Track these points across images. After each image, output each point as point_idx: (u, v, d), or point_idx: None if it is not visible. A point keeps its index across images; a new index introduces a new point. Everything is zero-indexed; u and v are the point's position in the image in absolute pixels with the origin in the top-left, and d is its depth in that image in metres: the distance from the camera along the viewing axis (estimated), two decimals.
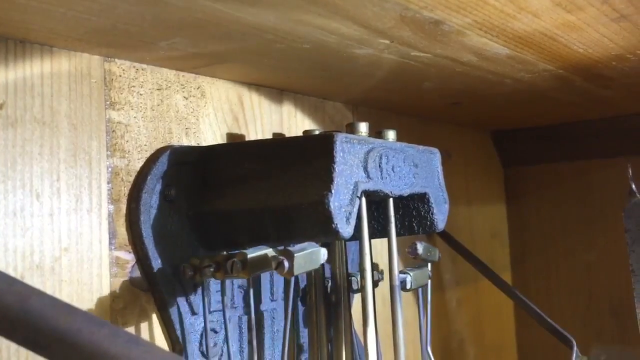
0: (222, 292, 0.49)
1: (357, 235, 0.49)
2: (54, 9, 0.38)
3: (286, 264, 0.44)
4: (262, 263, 0.45)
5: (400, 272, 0.58)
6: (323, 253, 0.46)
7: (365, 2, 0.41)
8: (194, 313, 0.50)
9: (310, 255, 0.45)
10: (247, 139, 0.59)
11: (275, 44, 0.48)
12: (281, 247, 0.45)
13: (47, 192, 0.44)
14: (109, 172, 0.47)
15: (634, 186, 0.78)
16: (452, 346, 0.92)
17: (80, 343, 0.25)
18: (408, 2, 0.41)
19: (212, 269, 0.46)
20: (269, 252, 0.46)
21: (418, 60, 0.56)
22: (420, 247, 0.59)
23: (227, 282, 0.52)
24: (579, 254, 1.02)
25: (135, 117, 0.49)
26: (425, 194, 0.57)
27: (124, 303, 0.47)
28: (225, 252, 0.46)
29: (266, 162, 0.49)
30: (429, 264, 0.62)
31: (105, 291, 0.46)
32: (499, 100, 0.78)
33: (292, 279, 0.56)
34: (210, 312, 0.51)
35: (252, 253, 0.45)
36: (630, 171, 0.78)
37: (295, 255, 0.44)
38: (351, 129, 0.54)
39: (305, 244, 0.46)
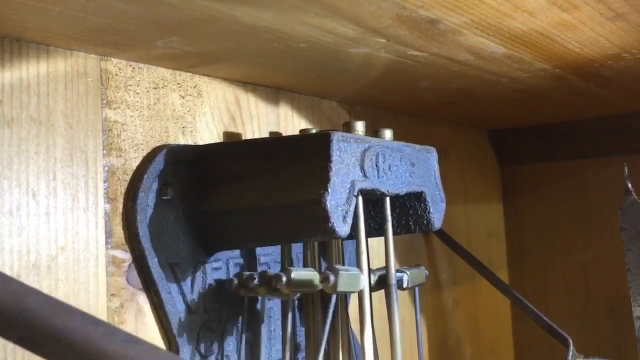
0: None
1: (353, 234, 0.50)
2: (50, 7, 0.38)
3: (332, 278, 0.46)
4: (306, 281, 0.47)
5: (397, 271, 0.58)
6: (363, 280, 0.49)
7: (362, 1, 0.41)
8: (191, 312, 0.50)
9: (354, 278, 0.48)
10: (243, 138, 0.59)
11: (272, 43, 0.48)
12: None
13: (44, 191, 0.44)
14: (105, 171, 0.47)
15: (630, 185, 0.78)
16: (449, 345, 0.92)
17: (77, 342, 0.25)
18: (404, 1, 0.41)
19: (256, 283, 0.48)
20: (314, 272, 0.48)
21: (415, 60, 0.56)
22: (406, 279, 0.59)
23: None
24: (575, 253, 1.02)
25: (131, 116, 0.49)
26: (421, 192, 0.57)
27: (120, 302, 0.47)
28: (272, 271, 0.49)
29: (263, 161, 0.49)
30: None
31: (102, 290, 0.46)
32: (496, 99, 0.78)
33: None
34: (207, 311, 0.51)
35: (297, 271, 0.47)
36: (627, 170, 0.78)
37: (340, 271, 0.46)
38: (348, 127, 0.54)
39: (351, 267, 0.48)
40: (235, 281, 0.50)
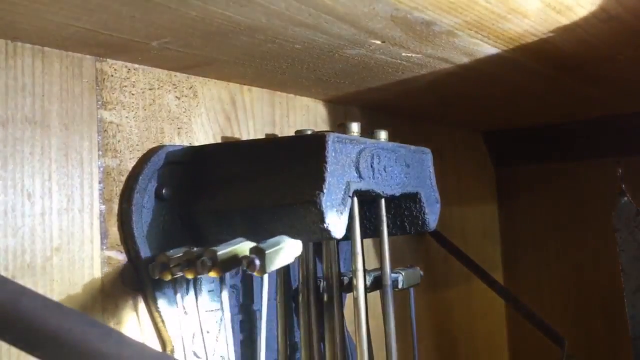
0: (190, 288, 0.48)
1: (349, 235, 0.50)
2: (45, 8, 0.38)
3: (257, 262, 0.42)
4: (233, 261, 0.43)
5: (392, 271, 0.59)
6: (297, 246, 0.44)
7: (356, 2, 0.41)
8: (185, 313, 0.50)
9: (283, 251, 0.43)
10: (239, 139, 0.59)
11: (267, 44, 0.48)
12: (252, 244, 0.43)
13: (39, 191, 0.44)
14: (100, 172, 0.47)
15: (623, 186, 0.78)
16: (444, 345, 0.92)
17: (72, 343, 0.25)
18: (399, 3, 0.41)
19: (183, 267, 0.44)
20: (241, 246, 0.44)
21: (409, 61, 0.56)
22: (401, 279, 0.59)
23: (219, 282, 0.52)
24: (569, 253, 1.03)
25: (127, 116, 0.49)
26: (417, 193, 0.57)
27: (115, 303, 0.47)
28: (195, 249, 0.44)
29: (258, 162, 0.49)
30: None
31: (97, 291, 0.46)
32: (490, 100, 0.78)
33: (279, 279, 0.56)
34: (202, 312, 0.51)
35: (223, 249, 0.43)
36: (620, 171, 0.79)
37: (266, 252, 0.42)
38: (343, 129, 0.54)
39: (278, 237, 0.44)
40: (157, 265, 0.45)
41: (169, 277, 0.45)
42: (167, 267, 0.44)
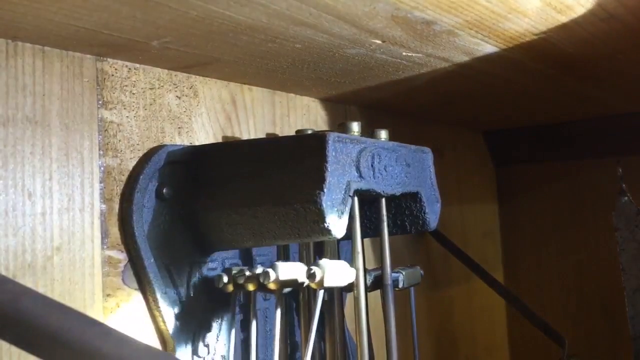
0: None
1: (349, 234, 0.50)
2: (45, 8, 0.38)
3: (318, 273, 0.46)
4: (294, 278, 0.47)
5: (393, 271, 0.59)
6: (351, 273, 0.49)
7: (357, 2, 0.41)
8: (186, 312, 0.50)
9: (341, 272, 0.48)
10: (240, 138, 0.59)
11: (267, 44, 0.48)
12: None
13: (39, 191, 0.44)
14: (101, 172, 0.47)
15: (624, 186, 0.78)
16: (445, 345, 0.92)
17: (72, 342, 0.25)
18: (399, 2, 0.41)
19: (244, 280, 0.48)
20: (300, 265, 0.48)
21: (410, 60, 0.56)
22: (402, 279, 0.59)
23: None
24: (570, 253, 1.03)
25: (127, 116, 0.49)
26: (417, 193, 0.57)
27: (116, 302, 0.47)
28: (260, 266, 0.49)
29: (259, 161, 0.49)
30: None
31: (98, 290, 0.46)
32: (491, 99, 0.79)
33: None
34: (202, 311, 0.51)
35: (284, 267, 0.47)
36: (620, 171, 0.79)
37: (326, 267, 0.46)
38: (343, 128, 0.54)
39: (337, 261, 0.48)
40: (224, 277, 0.50)
41: (231, 289, 0.49)
42: (233, 280, 0.49)
